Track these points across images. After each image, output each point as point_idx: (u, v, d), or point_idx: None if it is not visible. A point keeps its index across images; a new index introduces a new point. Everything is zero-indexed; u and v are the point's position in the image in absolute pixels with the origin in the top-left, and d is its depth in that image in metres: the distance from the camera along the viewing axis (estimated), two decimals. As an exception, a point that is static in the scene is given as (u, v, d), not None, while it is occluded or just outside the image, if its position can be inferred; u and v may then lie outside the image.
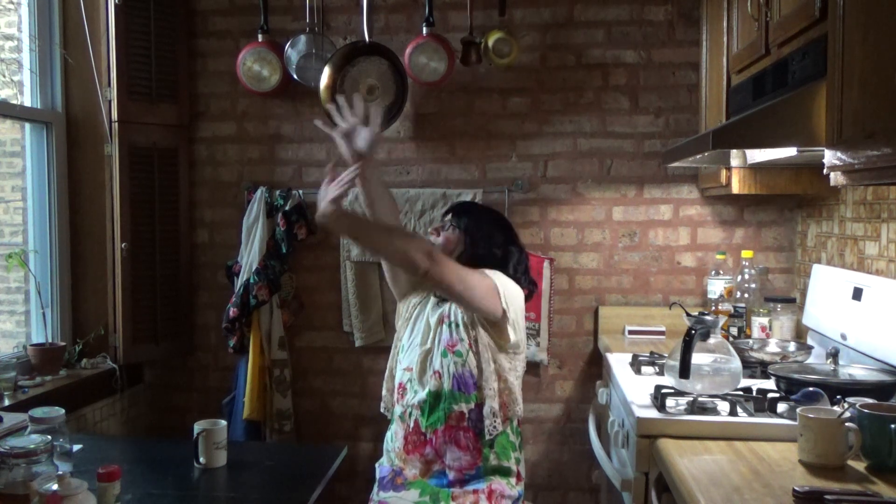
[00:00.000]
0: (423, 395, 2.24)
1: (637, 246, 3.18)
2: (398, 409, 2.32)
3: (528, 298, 2.36)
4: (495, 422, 2.21)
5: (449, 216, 2.39)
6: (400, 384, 2.33)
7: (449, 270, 2.09)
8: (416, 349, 2.30)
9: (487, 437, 2.21)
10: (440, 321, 2.28)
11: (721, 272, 2.97)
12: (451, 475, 2.20)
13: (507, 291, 2.20)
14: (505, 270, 2.29)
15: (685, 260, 3.16)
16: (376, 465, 2.37)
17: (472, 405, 2.22)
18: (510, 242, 2.36)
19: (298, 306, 3.30)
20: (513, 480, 2.24)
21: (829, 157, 1.66)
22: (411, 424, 2.26)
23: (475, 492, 2.17)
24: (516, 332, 2.24)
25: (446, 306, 2.30)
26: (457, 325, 2.25)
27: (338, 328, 3.28)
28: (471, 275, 2.14)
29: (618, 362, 2.56)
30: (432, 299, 2.37)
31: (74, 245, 3.07)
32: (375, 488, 2.29)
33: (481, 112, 3.21)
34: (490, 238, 2.33)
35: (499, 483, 2.20)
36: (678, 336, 2.04)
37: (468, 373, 2.22)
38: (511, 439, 2.26)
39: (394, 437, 2.33)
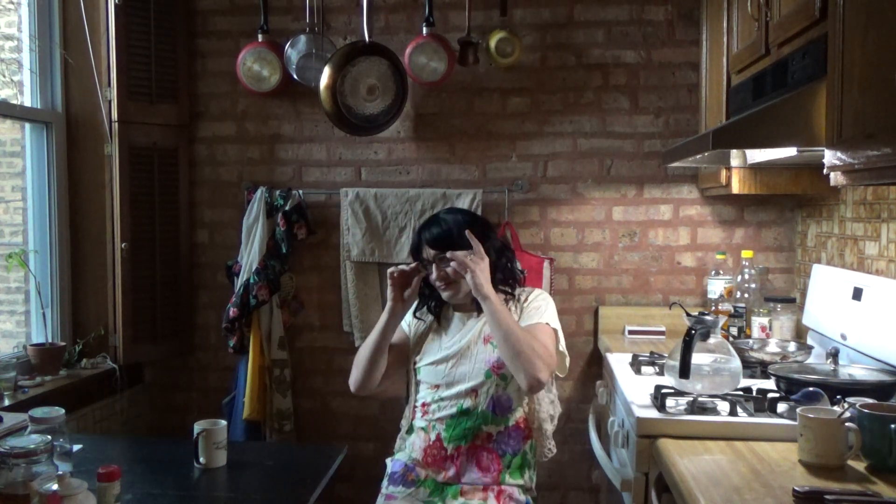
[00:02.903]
0: (452, 409, 2.18)
1: (637, 246, 3.18)
2: (421, 422, 2.24)
3: (520, 284, 2.34)
4: (549, 444, 2.27)
5: (426, 251, 2.21)
6: (423, 403, 2.25)
7: (550, 372, 2.12)
8: (444, 365, 2.23)
9: (544, 458, 2.26)
10: (486, 339, 2.20)
11: (721, 272, 2.97)
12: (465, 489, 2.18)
13: (554, 317, 2.24)
14: (510, 257, 2.31)
15: (685, 260, 3.16)
16: (388, 459, 2.32)
17: (502, 427, 2.17)
18: (487, 227, 2.30)
19: (298, 306, 3.30)
20: (523, 490, 2.20)
21: (829, 157, 1.66)
22: (433, 437, 2.20)
23: (485, 489, 2.15)
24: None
25: (484, 324, 2.22)
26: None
27: (338, 328, 3.28)
28: (550, 346, 2.15)
29: (618, 362, 2.56)
30: (456, 316, 2.29)
31: (74, 245, 3.07)
32: (385, 482, 2.25)
33: (481, 112, 3.21)
34: (484, 238, 2.23)
35: (509, 486, 2.18)
36: (678, 336, 2.04)
37: (507, 396, 2.17)
38: (528, 457, 2.22)
39: (412, 446, 2.26)
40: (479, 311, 2.19)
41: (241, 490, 1.87)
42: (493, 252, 2.22)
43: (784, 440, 1.73)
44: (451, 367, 2.22)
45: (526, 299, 2.27)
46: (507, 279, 2.29)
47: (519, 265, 2.39)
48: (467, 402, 2.17)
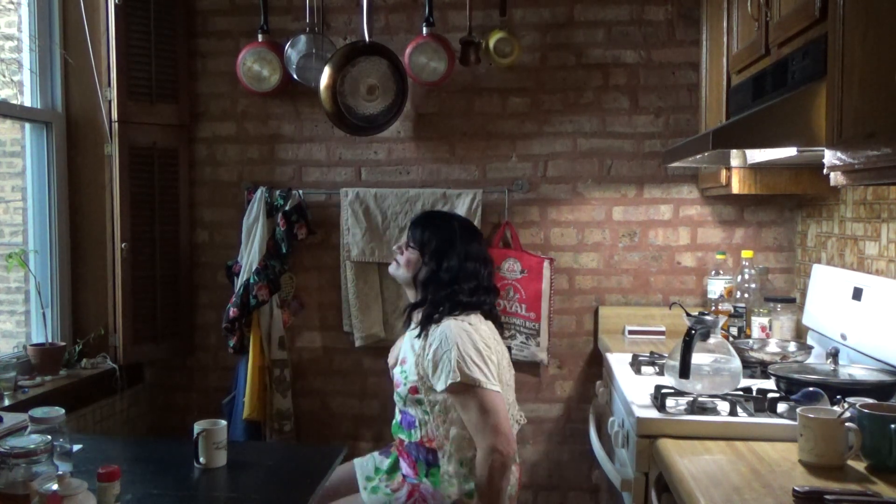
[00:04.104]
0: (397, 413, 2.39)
1: (637, 246, 3.18)
2: None
3: (490, 308, 2.32)
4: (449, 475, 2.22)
5: (408, 232, 2.40)
6: None
7: (502, 432, 2.11)
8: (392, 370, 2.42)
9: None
10: (402, 362, 2.30)
11: (721, 272, 2.97)
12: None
13: (477, 367, 2.12)
14: (457, 291, 2.25)
15: (685, 260, 3.16)
16: None
17: (409, 441, 2.27)
18: (466, 257, 2.29)
19: (298, 306, 3.30)
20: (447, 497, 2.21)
21: (829, 157, 1.67)
22: None
23: (403, 479, 2.26)
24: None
25: (408, 347, 2.29)
26: (404, 375, 2.26)
27: (338, 328, 3.28)
28: (492, 406, 2.12)
29: (618, 362, 2.56)
30: (412, 327, 2.37)
31: (74, 245, 3.07)
32: None
33: (481, 112, 3.21)
34: (442, 255, 2.28)
35: (428, 487, 2.21)
36: (678, 336, 2.04)
37: (409, 414, 2.27)
38: (450, 474, 2.19)
39: None
40: (407, 321, 2.34)
41: (241, 490, 1.87)
42: (423, 253, 2.31)
43: (784, 440, 1.74)
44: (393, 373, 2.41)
45: (428, 347, 2.19)
46: (428, 308, 2.26)
47: (490, 298, 2.35)
48: (397, 410, 2.36)
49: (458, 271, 2.26)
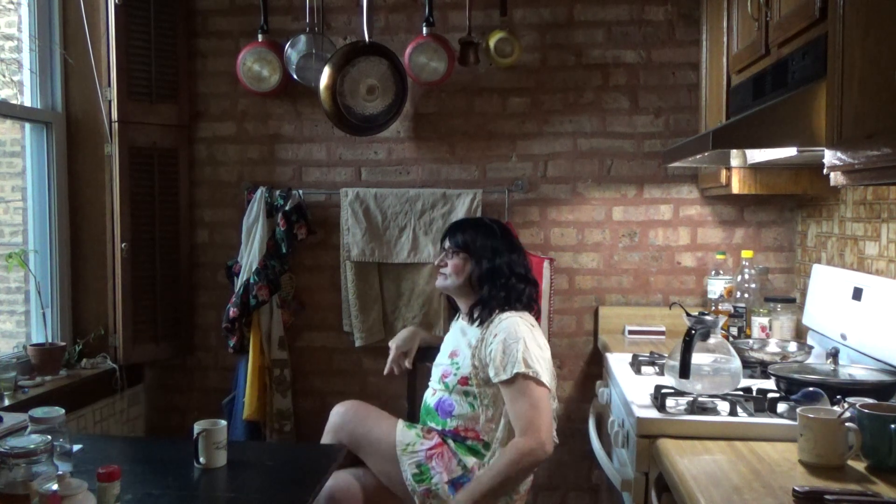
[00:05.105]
0: (426, 400, 2.44)
1: (637, 246, 3.18)
2: None
3: (533, 301, 2.43)
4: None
5: (446, 242, 2.46)
6: None
7: (546, 433, 2.18)
8: (434, 363, 2.47)
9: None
10: (452, 354, 2.38)
11: (721, 272, 2.97)
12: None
13: (539, 363, 2.21)
14: (515, 283, 2.35)
15: (685, 260, 3.16)
16: None
17: (440, 428, 2.32)
18: (510, 250, 2.40)
19: (298, 306, 3.30)
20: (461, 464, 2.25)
21: (829, 157, 1.66)
22: None
23: (434, 434, 2.29)
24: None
25: (462, 341, 2.37)
26: (456, 366, 2.34)
27: (338, 328, 3.28)
28: (543, 404, 2.19)
29: (618, 362, 2.56)
30: (461, 322, 2.46)
31: (74, 245, 3.06)
32: None
33: (481, 112, 3.21)
34: (492, 251, 2.38)
35: (452, 448, 2.25)
36: (678, 336, 2.04)
37: (449, 402, 2.32)
38: (479, 451, 2.27)
39: None
40: (471, 321, 2.37)
41: (241, 490, 1.87)
42: (471, 253, 2.38)
43: (784, 440, 1.73)
44: (434, 365, 2.47)
45: (492, 338, 2.26)
46: (490, 302, 2.34)
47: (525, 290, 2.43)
48: (428, 396, 2.42)
49: (510, 263, 2.36)
